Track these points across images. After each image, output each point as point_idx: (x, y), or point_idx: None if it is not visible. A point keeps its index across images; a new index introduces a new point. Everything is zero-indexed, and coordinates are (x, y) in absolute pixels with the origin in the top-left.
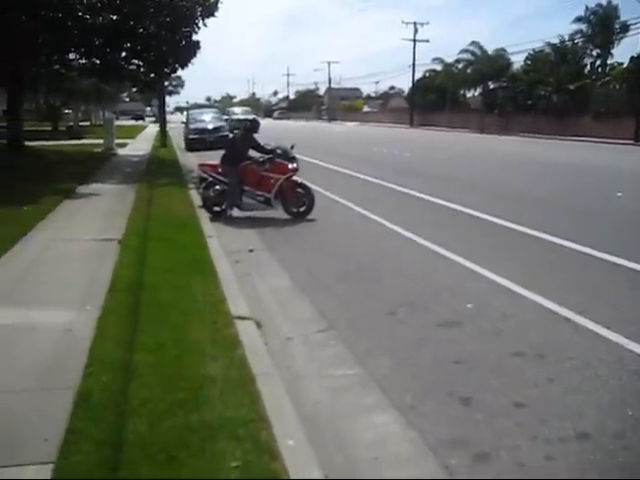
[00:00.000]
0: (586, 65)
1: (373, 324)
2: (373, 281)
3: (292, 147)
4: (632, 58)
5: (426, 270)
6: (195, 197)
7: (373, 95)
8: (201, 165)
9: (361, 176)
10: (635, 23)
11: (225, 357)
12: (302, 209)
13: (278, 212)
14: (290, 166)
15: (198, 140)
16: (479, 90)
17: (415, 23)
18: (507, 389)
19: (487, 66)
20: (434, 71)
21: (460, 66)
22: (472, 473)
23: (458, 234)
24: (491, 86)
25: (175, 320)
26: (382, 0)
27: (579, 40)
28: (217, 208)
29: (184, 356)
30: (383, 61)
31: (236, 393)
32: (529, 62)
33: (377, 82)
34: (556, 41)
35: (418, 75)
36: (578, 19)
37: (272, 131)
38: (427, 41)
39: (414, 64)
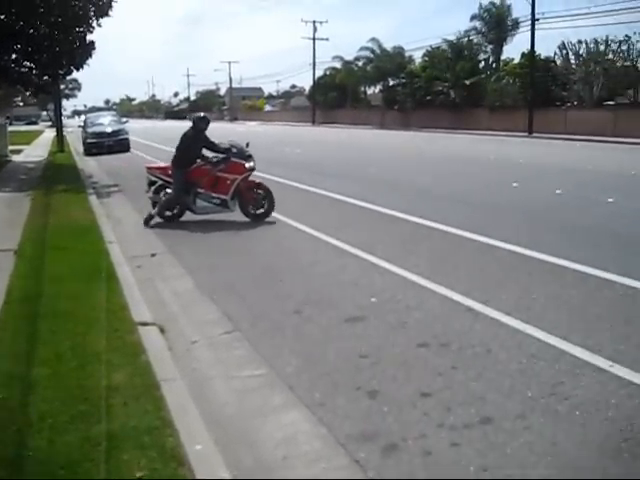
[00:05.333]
0: (481, 61)
1: (279, 323)
2: (278, 281)
3: (247, 145)
4: (523, 54)
5: (332, 267)
6: (95, 203)
7: (275, 94)
8: (149, 168)
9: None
10: (525, 20)
11: (128, 365)
12: (261, 210)
13: (235, 214)
14: (247, 165)
15: (96, 144)
16: (379, 87)
17: (314, 21)
18: (413, 380)
19: (386, 63)
20: (334, 69)
21: (360, 63)
22: (381, 465)
23: (364, 230)
24: (391, 83)
25: (75, 330)
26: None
27: (474, 37)
28: (169, 212)
29: (85, 366)
30: (284, 60)
31: (140, 401)
32: (427, 59)
33: (278, 81)
34: (453, 38)
35: (319, 73)
36: (473, 16)
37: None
38: (326, 39)
39: (314, 62)
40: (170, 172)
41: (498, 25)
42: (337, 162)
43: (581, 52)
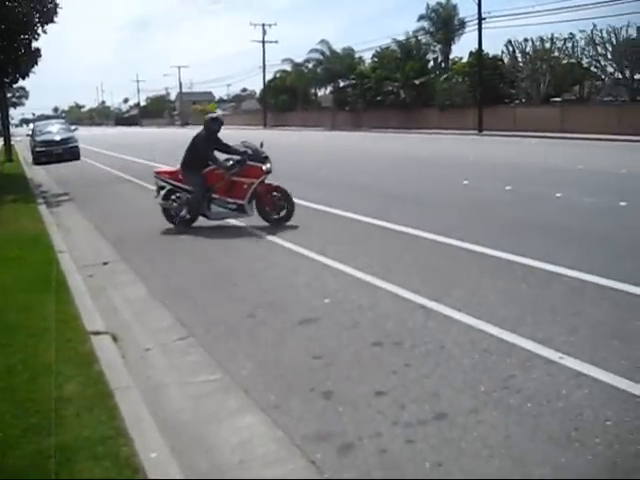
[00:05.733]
0: (430, 61)
1: (233, 328)
2: (232, 285)
3: (261, 145)
4: (471, 53)
5: (285, 270)
6: (44, 212)
7: (225, 98)
8: (158, 173)
9: None
10: (472, 20)
11: (81, 375)
12: (282, 214)
13: (253, 219)
14: (264, 167)
15: (45, 153)
16: (330, 88)
17: (264, 24)
18: (367, 379)
19: (336, 64)
20: (285, 72)
21: (310, 66)
22: (338, 465)
23: (316, 232)
24: (341, 84)
25: (26, 342)
26: (230, 2)
27: (422, 37)
28: (182, 216)
29: (37, 379)
30: (234, 63)
31: (93, 411)
32: (376, 59)
33: (229, 85)
34: (402, 38)
35: (269, 76)
36: (421, 17)
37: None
38: (276, 42)
39: (264, 65)
40: (180, 176)
41: (445, 25)
42: (290, 165)
43: (528, 50)
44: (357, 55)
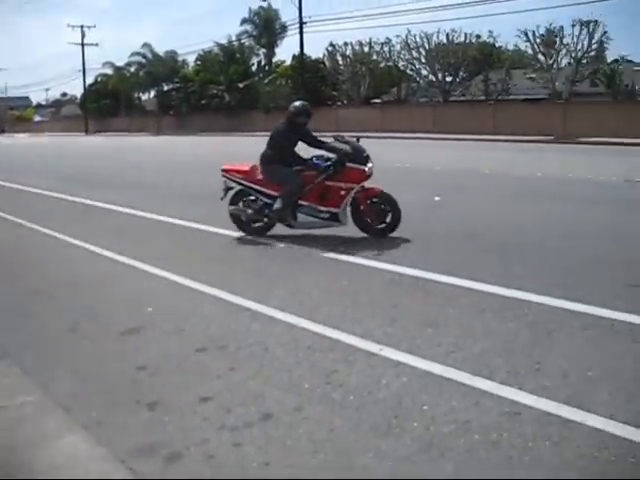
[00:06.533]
0: (254, 64)
1: (53, 344)
2: (50, 299)
3: (358, 140)
4: (294, 56)
5: (106, 279)
6: None
7: (44, 103)
8: (227, 170)
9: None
10: (293, 24)
11: None
12: (384, 225)
13: (349, 228)
14: (366, 170)
15: None
16: (153, 92)
17: (82, 26)
18: (192, 386)
19: (159, 68)
20: (106, 75)
21: (132, 69)
22: (164, 475)
23: (135, 239)
24: (165, 88)
25: None
26: (46, 3)
27: (246, 40)
28: (256, 225)
29: None
30: (53, 67)
31: None
32: (199, 63)
33: (47, 89)
34: (224, 41)
35: (90, 80)
36: (244, 20)
37: None
38: (96, 45)
39: (84, 69)
40: (258, 177)
41: (267, 28)
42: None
43: (348, 53)
44: (180, 58)
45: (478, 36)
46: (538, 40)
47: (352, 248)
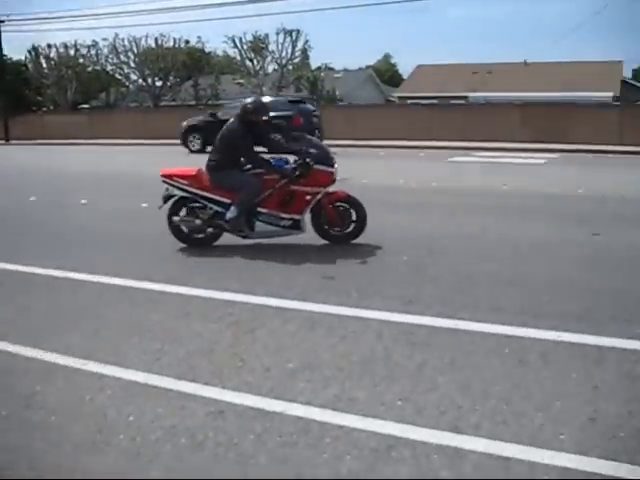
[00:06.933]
0: None
1: None
2: None
3: (319, 136)
4: None
5: None
6: None
7: None
8: (168, 176)
9: None
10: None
11: None
12: (350, 229)
13: (307, 235)
14: (333, 172)
15: None
16: None
17: None
18: None
19: None
20: None
21: None
22: None
23: None
24: None
25: None
26: None
27: None
28: (200, 235)
29: None
30: None
31: None
32: None
33: None
34: None
35: None
36: None
37: None
38: None
39: None
40: (206, 182)
41: None
42: None
43: (52, 56)
44: None
45: (187, 41)
46: (245, 47)
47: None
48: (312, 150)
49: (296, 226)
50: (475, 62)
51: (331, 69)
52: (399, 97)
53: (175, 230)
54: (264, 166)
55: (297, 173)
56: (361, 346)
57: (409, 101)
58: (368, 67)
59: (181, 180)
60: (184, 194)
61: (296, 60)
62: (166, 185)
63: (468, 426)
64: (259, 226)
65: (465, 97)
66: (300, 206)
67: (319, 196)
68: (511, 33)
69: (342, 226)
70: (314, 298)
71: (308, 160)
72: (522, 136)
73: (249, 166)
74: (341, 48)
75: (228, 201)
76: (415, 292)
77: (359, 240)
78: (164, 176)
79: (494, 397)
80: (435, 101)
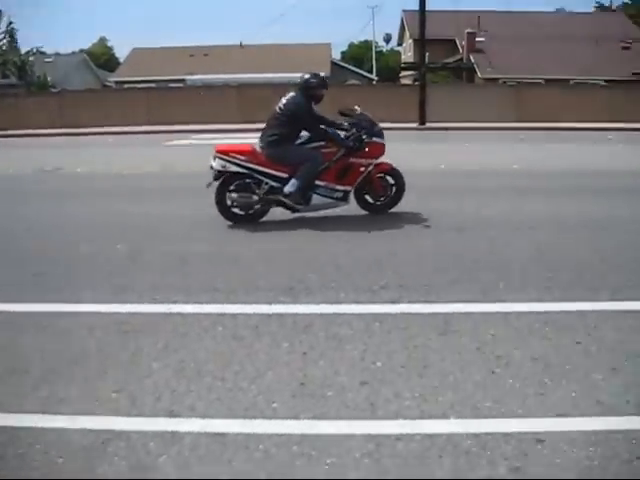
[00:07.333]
0: None
1: None
2: None
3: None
4: None
5: None
6: None
7: None
8: (223, 152)
9: None
10: None
11: None
12: (388, 198)
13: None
14: (384, 144)
15: None
16: None
17: None
18: None
19: None
20: None
21: None
22: None
23: None
24: None
25: None
26: None
27: None
28: (250, 211)
29: None
30: None
31: None
32: None
33: None
34: None
35: None
36: None
37: None
38: None
39: None
40: (264, 158)
41: None
42: None
43: None
44: None
45: None
46: None
47: None
48: (363, 123)
49: (345, 198)
50: (191, 45)
51: (42, 53)
52: (116, 82)
53: (224, 208)
54: (328, 139)
55: (356, 145)
56: (72, 343)
57: (126, 85)
58: (82, 51)
59: (239, 156)
60: (241, 169)
61: (1, 43)
62: (222, 161)
63: (184, 408)
64: (315, 199)
65: (183, 80)
66: (354, 177)
67: (370, 167)
68: (226, 16)
69: (385, 196)
70: (23, 299)
71: (362, 133)
72: (239, 117)
73: (302, 140)
74: (54, 31)
75: (285, 175)
76: (129, 281)
77: (77, 233)
78: (220, 152)
79: (208, 376)
80: (153, 85)
